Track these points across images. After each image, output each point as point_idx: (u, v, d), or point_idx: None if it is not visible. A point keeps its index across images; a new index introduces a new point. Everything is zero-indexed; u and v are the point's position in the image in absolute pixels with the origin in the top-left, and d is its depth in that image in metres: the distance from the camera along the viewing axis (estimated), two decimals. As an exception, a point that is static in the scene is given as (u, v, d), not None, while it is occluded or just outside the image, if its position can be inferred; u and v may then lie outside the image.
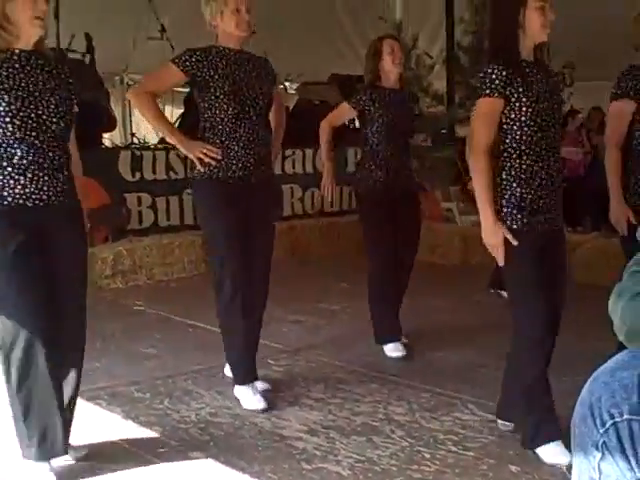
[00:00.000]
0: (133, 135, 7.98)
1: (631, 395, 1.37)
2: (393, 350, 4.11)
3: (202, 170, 3.32)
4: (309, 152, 7.83)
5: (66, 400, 2.73)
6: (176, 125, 7.95)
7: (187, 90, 8.32)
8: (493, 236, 2.73)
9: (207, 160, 3.28)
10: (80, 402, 3.28)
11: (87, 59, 7.43)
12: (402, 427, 3.13)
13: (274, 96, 3.50)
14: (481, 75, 2.73)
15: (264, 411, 3.31)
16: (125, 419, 3.23)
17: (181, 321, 4.89)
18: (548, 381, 2.81)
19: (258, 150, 3.37)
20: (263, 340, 3.78)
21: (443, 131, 9.48)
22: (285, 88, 10.12)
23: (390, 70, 4.09)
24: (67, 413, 2.74)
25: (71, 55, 7.18)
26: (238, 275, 3.32)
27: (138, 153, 6.73)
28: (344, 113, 4.27)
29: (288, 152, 7.66)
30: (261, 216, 3.43)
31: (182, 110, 8.31)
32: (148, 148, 7.01)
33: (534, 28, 2.73)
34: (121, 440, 3.01)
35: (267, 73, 3.46)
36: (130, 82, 8.45)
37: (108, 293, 5.72)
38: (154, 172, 6.68)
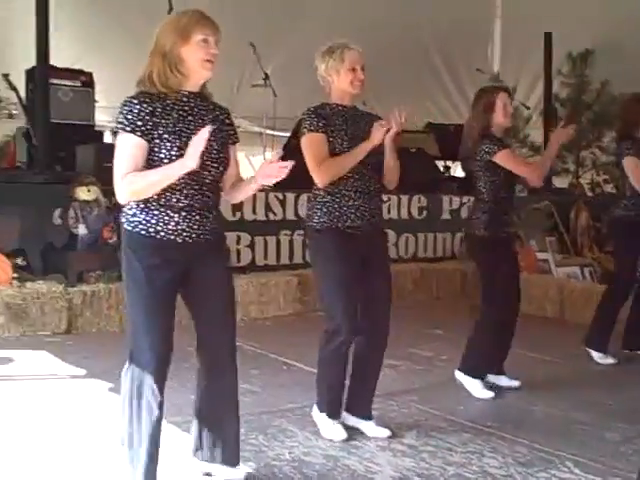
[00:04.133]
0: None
1: None
2: (482, 392, 4.19)
3: (321, 219, 3.43)
4: (404, 198, 7.89)
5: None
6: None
7: (287, 135, 8.56)
8: None
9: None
10: (178, 432, 3.42)
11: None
12: (497, 480, 3.09)
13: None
14: None
15: (343, 442, 3.40)
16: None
17: (276, 358, 4.96)
18: None
19: (373, 201, 3.47)
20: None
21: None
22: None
23: (501, 124, 4.15)
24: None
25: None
26: (352, 322, 3.42)
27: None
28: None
29: (383, 198, 7.69)
30: (377, 262, 3.52)
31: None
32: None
33: None
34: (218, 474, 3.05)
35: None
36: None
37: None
38: (254, 212, 6.85)
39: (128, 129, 2.60)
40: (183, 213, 2.68)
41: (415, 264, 7.65)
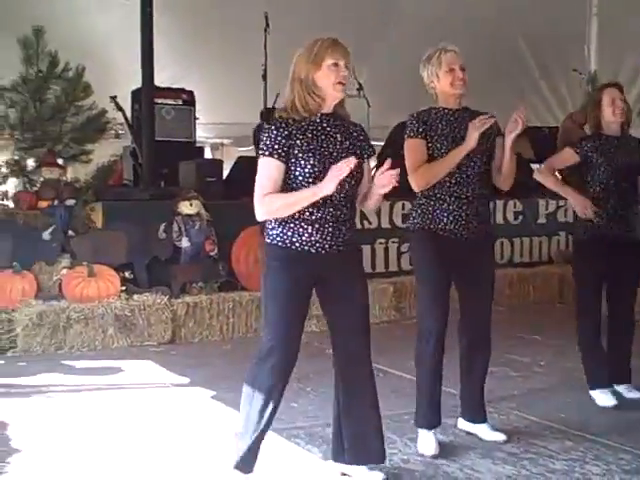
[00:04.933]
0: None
1: None
2: (603, 399, 4.09)
3: (415, 221, 3.50)
4: (499, 203, 7.81)
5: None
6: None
7: (380, 144, 8.60)
8: None
9: None
10: (280, 440, 3.52)
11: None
12: (600, 489, 3.06)
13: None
14: None
15: (434, 457, 3.40)
16: (324, 459, 3.36)
17: (374, 366, 5.00)
18: None
19: (471, 206, 3.45)
20: (453, 389, 3.82)
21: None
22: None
23: (611, 121, 4.09)
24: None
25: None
26: (440, 325, 3.44)
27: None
28: (567, 159, 4.21)
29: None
30: (477, 266, 3.53)
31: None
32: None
33: None
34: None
35: (489, 130, 3.44)
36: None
37: (304, 336, 5.93)
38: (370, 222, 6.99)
39: (267, 153, 2.84)
40: (316, 225, 2.86)
41: (511, 269, 7.57)
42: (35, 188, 6.90)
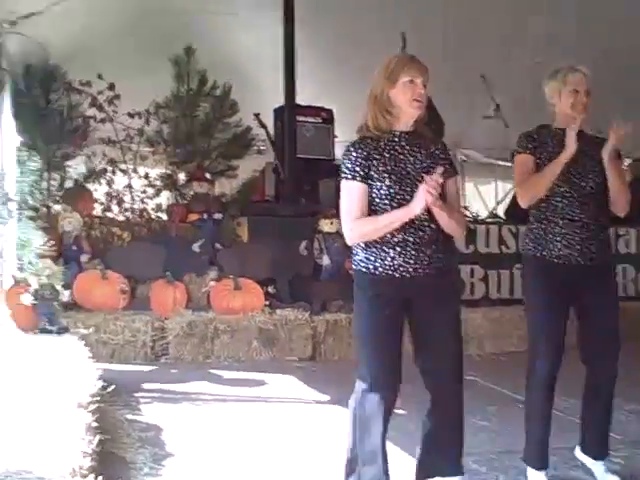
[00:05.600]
0: (466, 208, 8.33)
1: None
2: None
3: (527, 247, 3.38)
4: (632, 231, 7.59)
5: None
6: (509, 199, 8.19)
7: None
8: None
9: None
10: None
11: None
12: None
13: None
14: None
15: None
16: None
17: (511, 396, 4.96)
18: None
19: (587, 230, 3.29)
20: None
21: None
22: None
23: None
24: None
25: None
26: (550, 356, 3.30)
27: (472, 226, 7.01)
28: None
29: (621, 231, 7.50)
30: (597, 296, 3.36)
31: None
32: (482, 222, 7.26)
33: None
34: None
35: (597, 154, 3.30)
36: (464, 158, 8.83)
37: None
38: (487, 245, 6.92)
39: (350, 177, 2.82)
40: (398, 248, 2.81)
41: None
42: (185, 201, 7.26)
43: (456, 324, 2.99)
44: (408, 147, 2.87)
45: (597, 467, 3.50)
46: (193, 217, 6.69)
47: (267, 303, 5.99)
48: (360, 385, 2.89)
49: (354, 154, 2.84)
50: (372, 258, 2.86)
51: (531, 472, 3.46)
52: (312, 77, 8.88)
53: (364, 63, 9.10)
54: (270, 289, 6.12)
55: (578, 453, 3.59)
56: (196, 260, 6.26)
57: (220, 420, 4.30)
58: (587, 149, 3.31)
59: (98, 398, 3.59)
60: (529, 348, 3.40)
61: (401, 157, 2.85)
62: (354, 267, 2.93)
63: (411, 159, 2.86)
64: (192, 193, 7.13)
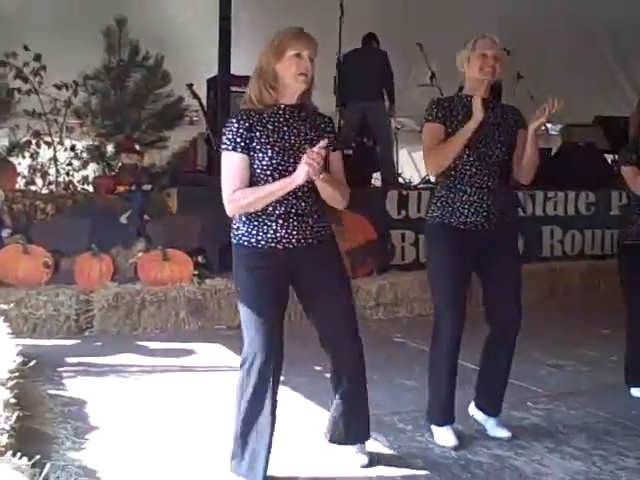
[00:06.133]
0: (399, 175, 8.35)
1: None
2: None
3: (434, 214, 3.40)
4: (571, 194, 7.73)
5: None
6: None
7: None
8: None
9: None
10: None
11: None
12: (674, 488, 3.03)
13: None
14: None
15: (455, 449, 3.38)
16: (390, 448, 3.41)
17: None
18: None
19: (494, 197, 3.35)
20: (521, 382, 3.80)
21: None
22: (547, 130, 10.02)
23: None
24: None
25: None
26: (454, 318, 3.37)
27: (405, 192, 7.05)
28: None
29: (550, 194, 7.62)
30: (501, 259, 3.42)
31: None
32: (414, 188, 7.30)
33: None
34: (389, 469, 3.19)
35: (514, 121, 3.41)
36: (397, 126, 8.84)
37: (371, 323, 6.05)
38: (418, 210, 6.95)
39: (230, 147, 2.80)
40: (280, 221, 2.81)
41: (582, 261, 7.48)
42: (113, 173, 7.13)
43: (345, 291, 3.01)
44: (292, 120, 2.87)
45: (489, 423, 3.59)
46: (121, 189, 6.56)
47: (196, 273, 5.93)
48: (246, 358, 2.89)
49: (236, 125, 2.81)
50: (254, 231, 2.84)
51: (435, 429, 3.52)
52: (248, 47, 8.76)
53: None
54: (200, 259, 6.05)
55: (472, 409, 3.66)
56: (124, 232, 6.14)
57: (146, 391, 4.25)
58: (495, 116, 3.36)
59: (17, 374, 3.51)
60: (434, 311, 3.47)
61: (285, 129, 2.84)
62: (234, 241, 2.89)
63: (295, 131, 2.85)
64: (120, 165, 7.00)
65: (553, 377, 4.62)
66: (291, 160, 2.81)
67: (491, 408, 3.59)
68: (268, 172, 2.80)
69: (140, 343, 5.33)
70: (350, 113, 7.83)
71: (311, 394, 4.04)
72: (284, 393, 3.10)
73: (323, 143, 2.71)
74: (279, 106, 2.86)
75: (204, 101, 7.59)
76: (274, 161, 2.79)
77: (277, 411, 2.96)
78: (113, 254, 6.01)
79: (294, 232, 2.85)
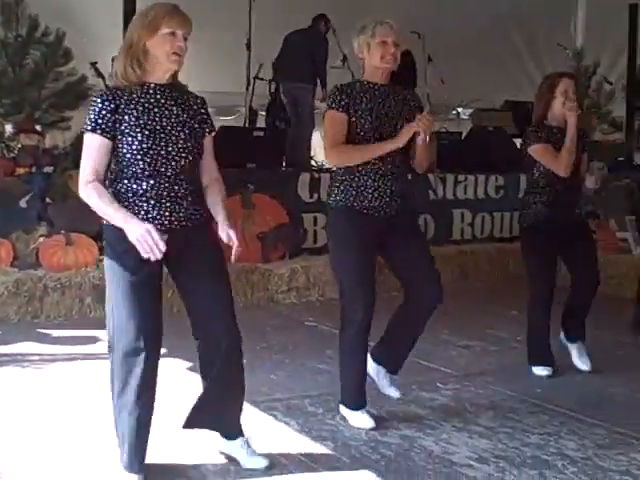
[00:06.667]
0: (311, 158, 8.31)
1: None
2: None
3: (337, 198, 3.36)
4: (481, 178, 7.83)
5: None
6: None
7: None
8: None
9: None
10: (257, 412, 3.54)
11: (273, 86, 7.81)
12: (575, 463, 3.09)
13: None
14: None
15: (419, 422, 3.43)
16: (300, 432, 3.38)
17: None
18: None
19: (395, 183, 3.37)
20: (431, 362, 3.83)
21: (620, 159, 9.18)
22: (458, 114, 10.16)
23: (557, 109, 4.05)
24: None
25: (259, 83, 7.62)
26: (366, 301, 3.35)
27: (317, 175, 6.99)
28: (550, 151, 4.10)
29: (460, 177, 7.71)
30: (405, 242, 3.42)
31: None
32: (327, 171, 7.25)
33: None
34: (297, 453, 3.16)
35: (414, 108, 3.43)
36: (316, 109, 8.81)
37: (283, 308, 6.00)
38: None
39: (89, 129, 2.64)
40: (152, 202, 2.68)
41: (491, 244, 7.61)
42: (12, 155, 6.82)
43: (221, 277, 2.88)
44: (163, 100, 2.72)
45: (382, 380, 3.60)
46: (20, 171, 6.27)
47: (102, 258, 5.72)
48: (116, 344, 2.74)
49: (99, 106, 2.64)
50: None
51: (349, 413, 3.51)
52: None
53: (209, 14, 8.92)
54: (105, 243, 5.84)
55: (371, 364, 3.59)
56: (24, 216, 5.87)
57: (47, 381, 4.09)
58: (397, 103, 3.38)
59: None
60: (343, 295, 3.42)
61: (155, 110, 2.70)
62: (103, 222, 2.74)
63: (166, 113, 2.71)
64: (19, 146, 6.70)
65: (462, 358, 4.67)
66: (162, 143, 2.68)
67: (391, 365, 3.59)
68: (139, 156, 2.65)
69: (42, 331, 5.13)
70: (282, 94, 7.77)
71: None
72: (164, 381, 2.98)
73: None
74: (149, 85, 2.70)
75: (109, 80, 7.34)
76: (144, 145, 2.64)
77: (155, 400, 2.85)
78: (13, 239, 5.76)
79: (167, 214, 2.71)
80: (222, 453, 3.08)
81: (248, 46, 7.54)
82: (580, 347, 4.32)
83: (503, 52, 10.59)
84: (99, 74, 7.28)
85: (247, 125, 7.98)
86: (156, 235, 2.55)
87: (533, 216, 4.18)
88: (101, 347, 4.79)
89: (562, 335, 4.36)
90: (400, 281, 3.50)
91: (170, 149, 2.69)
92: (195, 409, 3.02)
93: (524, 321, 4.37)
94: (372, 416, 3.48)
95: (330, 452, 3.18)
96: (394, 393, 3.60)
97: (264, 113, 8.04)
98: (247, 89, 7.59)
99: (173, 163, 2.70)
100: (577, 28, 10.55)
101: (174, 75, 2.76)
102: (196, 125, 2.79)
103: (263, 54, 7.79)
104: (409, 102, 3.44)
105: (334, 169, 3.46)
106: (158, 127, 2.68)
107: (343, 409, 3.53)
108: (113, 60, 7.46)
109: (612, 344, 4.96)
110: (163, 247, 2.56)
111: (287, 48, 7.92)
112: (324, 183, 6.88)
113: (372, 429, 3.40)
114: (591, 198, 4.31)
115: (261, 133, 7.17)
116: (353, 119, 3.29)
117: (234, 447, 3.03)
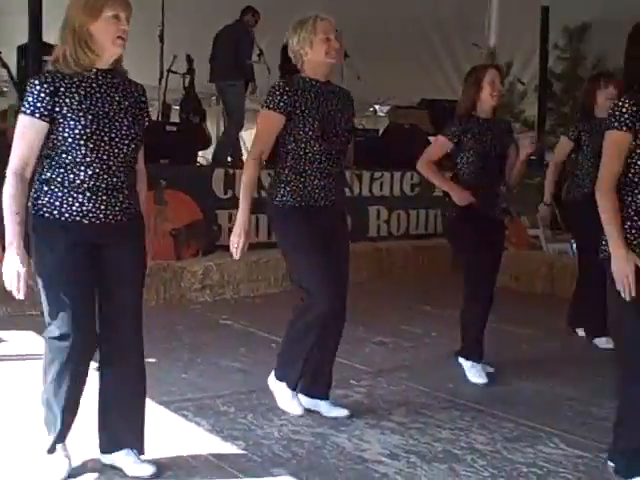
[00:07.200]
0: (241, 156, 8.21)
1: None
2: (477, 377, 4.11)
3: (284, 198, 3.34)
4: (397, 175, 7.88)
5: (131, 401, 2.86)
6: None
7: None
8: (626, 267, 2.61)
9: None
10: (167, 413, 3.45)
11: (187, 80, 7.69)
12: (484, 457, 3.12)
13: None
14: (611, 107, 2.69)
15: (333, 420, 3.42)
16: (210, 432, 3.31)
17: (265, 336, 4.98)
18: None
19: (337, 181, 3.41)
20: (345, 360, 3.81)
21: (532, 157, 9.40)
22: (375, 111, 10.22)
23: (486, 101, 4.06)
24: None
25: (172, 76, 7.47)
26: (332, 294, 3.36)
27: (231, 171, 6.90)
28: (443, 147, 4.14)
29: (377, 174, 7.74)
30: (339, 242, 3.47)
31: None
32: (241, 167, 7.15)
33: None
34: (207, 453, 3.09)
35: (349, 106, 3.47)
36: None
37: (196, 306, 5.89)
38: (246, 190, 6.80)
39: (28, 112, 2.56)
40: (88, 194, 2.62)
41: (406, 241, 7.67)
42: None
43: (142, 277, 2.82)
44: (105, 86, 2.65)
45: (323, 406, 3.57)
46: None
47: (7, 256, 5.49)
48: (50, 336, 2.67)
49: (38, 88, 2.56)
50: (57, 203, 2.61)
51: (281, 391, 3.55)
52: (62, 14, 8.27)
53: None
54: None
55: (303, 399, 3.60)
56: None
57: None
58: (337, 102, 3.38)
59: None
60: (308, 292, 3.39)
61: (97, 96, 2.63)
62: (32, 212, 2.63)
63: (108, 99, 2.64)
64: None
65: (377, 354, 4.68)
66: (106, 129, 2.60)
67: (323, 391, 3.58)
68: (82, 141, 2.57)
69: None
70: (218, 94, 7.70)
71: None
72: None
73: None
74: (91, 70, 2.64)
75: (14, 70, 7.07)
76: (88, 130, 2.57)
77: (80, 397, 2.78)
78: None
79: (102, 207, 2.65)
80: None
81: (161, 38, 7.37)
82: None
83: (420, 51, 10.70)
84: (3, 64, 7.01)
85: (160, 119, 7.83)
86: (23, 281, 2.54)
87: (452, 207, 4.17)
88: (5, 348, 4.61)
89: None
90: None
91: (114, 135, 2.62)
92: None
93: (437, 316, 4.41)
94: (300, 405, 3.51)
95: (241, 452, 3.12)
96: (342, 412, 3.54)
97: (178, 107, 7.90)
98: (160, 82, 7.41)
99: (116, 150, 2.63)
100: (490, 28, 10.73)
101: (117, 60, 2.69)
102: (137, 113, 2.73)
103: (177, 46, 7.64)
104: (346, 102, 3.45)
105: (280, 169, 3.40)
106: (101, 112, 2.61)
107: (276, 386, 3.55)
108: (19, 49, 7.26)
109: (521, 339, 5.04)
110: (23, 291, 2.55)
111: (216, 46, 7.89)
112: (239, 179, 6.77)
113: (285, 427, 3.38)
114: (504, 196, 4.32)
115: (174, 128, 7.02)
116: (300, 118, 3.28)
117: (118, 457, 2.90)
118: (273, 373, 3.60)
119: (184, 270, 5.97)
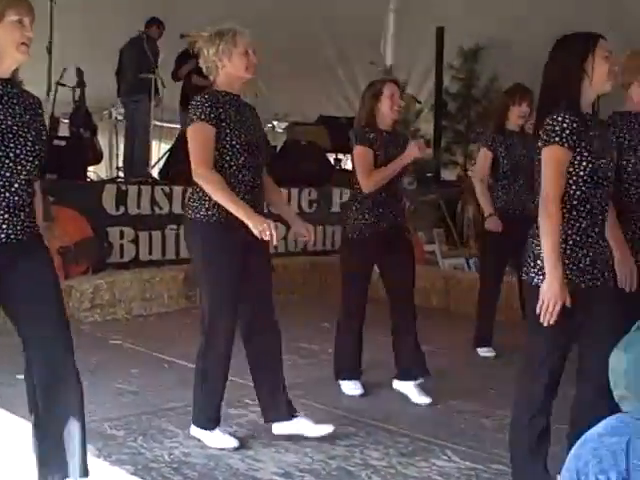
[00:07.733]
0: (118, 169, 8.00)
1: (619, 462, 1.36)
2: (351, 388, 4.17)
3: (208, 212, 3.26)
4: (294, 191, 7.86)
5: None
6: (163, 160, 8.02)
7: (178, 126, 8.38)
8: (561, 294, 2.47)
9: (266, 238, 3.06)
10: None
11: (77, 93, 7.47)
12: (378, 472, 3.10)
13: None
14: (549, 123, 2.53)
15: (236, 449, 3.30)
16: (97, 457, 3.16)
17: (158, 357, 4.84)
18: None
19: (258, 195, 3.34)
20: (240, 379, 3.72)
21: (429, 174, 9.58)
22: (273, 127, 10.20)
23: (386, 114, 4.06)
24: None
25: (61, 89, 7.24)
26: (234, 323, 3.34)
27: (123, 187, 6.72)
28: (370, 155, 4.04)
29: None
30: (260, 257, 3.41)
31: (169, 145, 8.33)
32: (133, 182, 6.98)
33: (600, 79, 2.57)
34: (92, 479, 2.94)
35: (259, 120, 3.46)
36: (119, 117, 8.47)
37: (86, 326, 5.66)
38: (138, 207, 6.65)
39: None
40: None
41: (305, 257, 7.63)
42: None
43: (54, 292, 2.65)
44: (7, 97, 2.48)
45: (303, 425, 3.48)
46: None
47: None
48: None
49: None
50: None
51: (207, 434, 3.40)
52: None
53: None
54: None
55: (276, 428, 3.49)
56: None
57: None
58: (251, 116, 3.36)
59: None
60: (213, 314, 3.30)
61: (0, 107, 2.45)
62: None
63: (10, 111, 2.47)
64: None
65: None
66: (11, 145, 2.43)
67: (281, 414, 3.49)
68: None
69: None
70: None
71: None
72: None
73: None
74: None
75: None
76: None
77: None
78: None
79: (4, 226, 2.47)
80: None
81: (49, 50, 7.11)
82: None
83: (318, 68, 10.76)
84: None
85: (48, 133, 7.55)
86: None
87: (358, 228, 4.16)
88: None
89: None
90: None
91: (19, 152, 2.45)
92: None
93: (334, 333, 4.38)
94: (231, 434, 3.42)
95: (129, 476, 3.00)
96: (326, 429, 3.47)
97: (67, 121, 7.64)
98: (48, 95, 7.14)
99: (19, 167, 2.46)
100: (387, 47, 10.91)
101: (15, 69, 2.53)
102: (38, 127, 2.56)
103: (66, 58, 7.39)
104: (257, 114, 3.44)
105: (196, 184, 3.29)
106: (4, 126, 2.43)
107: (200, 433, 3.42)
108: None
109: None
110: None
111: (120, 60, 7.76)
112: (132, 195, 6.62)
113: (176, 449, 3.28)
114: (403, 211, 4.32)
115: (63, 142, 6.78)
116: (227, 131, 3.21)
117: None
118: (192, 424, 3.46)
119: (72, 289, 5.73)
